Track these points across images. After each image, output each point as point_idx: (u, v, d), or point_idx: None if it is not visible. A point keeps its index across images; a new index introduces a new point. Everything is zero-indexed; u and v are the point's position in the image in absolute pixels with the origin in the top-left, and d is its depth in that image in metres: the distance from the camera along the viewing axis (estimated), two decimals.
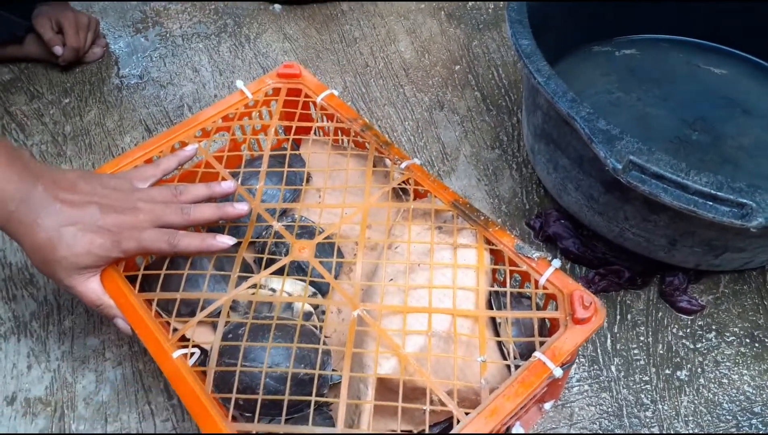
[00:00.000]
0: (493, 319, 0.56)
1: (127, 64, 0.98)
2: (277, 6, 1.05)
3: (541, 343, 0.50)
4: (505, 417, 0.46)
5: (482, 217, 0.58)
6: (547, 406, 0.60)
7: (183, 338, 0.52)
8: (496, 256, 0.58)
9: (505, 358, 0.53)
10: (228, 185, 0.59)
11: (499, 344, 0.54)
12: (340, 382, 0.49)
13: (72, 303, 0.70)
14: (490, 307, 0.56)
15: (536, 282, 0.54)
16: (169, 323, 0.53)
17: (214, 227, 0.61)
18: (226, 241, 0.55)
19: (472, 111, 0.88)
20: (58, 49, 0.93)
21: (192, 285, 0.55)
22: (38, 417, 0.62)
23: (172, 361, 0.49)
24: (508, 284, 0.54)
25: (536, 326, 0.51)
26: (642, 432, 0.61)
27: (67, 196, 0.52)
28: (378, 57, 0.96)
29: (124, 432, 0.61)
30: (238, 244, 0.57)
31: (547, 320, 0.57)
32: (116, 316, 0.55)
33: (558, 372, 0.48)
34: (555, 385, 0.57)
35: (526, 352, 0.53)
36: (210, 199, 0.59)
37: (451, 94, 0.90)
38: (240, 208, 0.57)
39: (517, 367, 0.49)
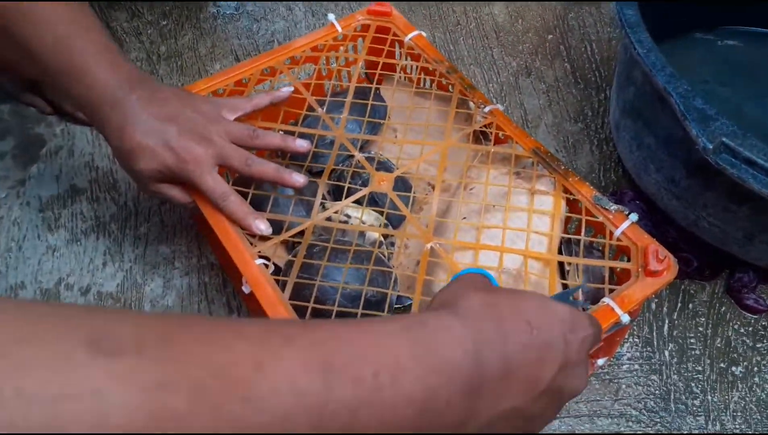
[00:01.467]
0: (562, 268, 0.57)
1: None
2: None
3: (611, 292, 0.50)
4: None
5: (563, 167, 0.58)
6: (600, 362, 0.61)
7: (261, 255, 0.54)
8: (572, 207, 0.58)
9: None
10: (302, 144, 0.59)
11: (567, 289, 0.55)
12: (409, 305, 0.50)
13: (149, 211, 0.74)
14: (562, 254, 0.56)
15: (611, 234, 0.54)
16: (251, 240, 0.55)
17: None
18: (298, 179, 0.56)
19: (560, 81, 0.87)
20: None
21: (274, 205, 0.58)
22: None
23: (254, 266, 0.51)
24: (582, 233, 0.55)
25: (606, 275, 0.52)
26: (663, 433, 0.60)
27: (155, 109, 0.55)
28: (470, 16, 0.95)
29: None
30: (310, 183, 0.58)
31: (615, 276, 0.57)
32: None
33: (625, 318, 0.49)
34: (612, 340, 0.58)
35: (593, 302, 0.53)
36: (282, 150, 0.60)
37: (540, 62, 0.89)
38: (295, 178, 0.56)
39: (584, 311, 0.50)
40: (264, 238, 0.55)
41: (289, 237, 0.55)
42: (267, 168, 0.56)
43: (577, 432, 0.60)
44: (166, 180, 0.56)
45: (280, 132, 0.62)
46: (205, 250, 0.70)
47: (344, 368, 0.28)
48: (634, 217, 0.54)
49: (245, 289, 0.50)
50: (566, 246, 0.57)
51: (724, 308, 0.67)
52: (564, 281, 0.54)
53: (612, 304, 0.49)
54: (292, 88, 0.64)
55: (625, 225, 0.54)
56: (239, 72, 0.66)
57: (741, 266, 0.68)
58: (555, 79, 0.87)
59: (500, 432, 0.35)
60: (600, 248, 0.56)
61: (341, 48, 0.70)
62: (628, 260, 0.53)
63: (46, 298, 0.67)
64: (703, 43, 0.88)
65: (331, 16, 0.69)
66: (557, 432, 0.59)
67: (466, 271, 0.45)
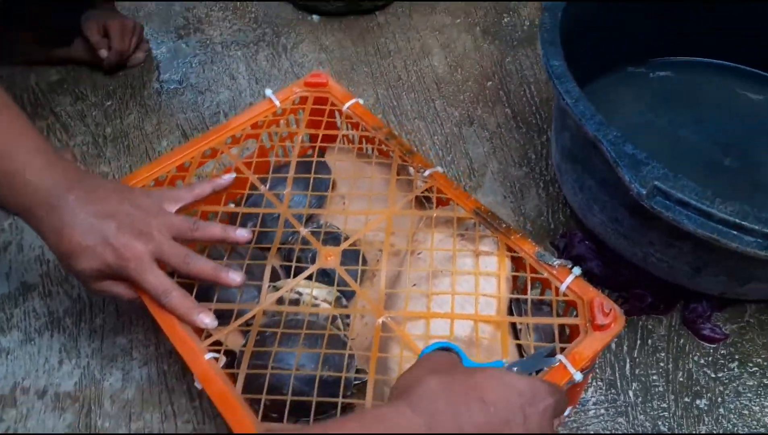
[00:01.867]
0: (514, 327, 0.57)
1: (167, 69, 1.01)
2: (316, 17, 1.07)
3: (562, 350, 0.51)
4: None
5: (504, 225, 0.59)
6: (565, 412, 0.61)
7: (214, 343, 0.54)
8: (517, 263, 0.59)
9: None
10: (242, 235, 0.58)
11: (520, 350, 0.55)
12: (363, 383, 0.50)
13: (103, 302, 0.73)
14: (512, 314, 0.56)
15: (557, 289, 0.55)
16: (200, 329, 0.55)
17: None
18: (235, 278, 0.55)
19: (502, 127, 0.88)
20: (103, 53, 0.97)
21: (222, 289, 0.57)
22: (66, 412, 0.65)
23: (204, 362, 0.51)
24: (528, 291, 0.55)
25: (557, 332, 0.52)
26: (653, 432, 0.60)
27: (93, 207, 0.54)
28: (411, 70, 0.97)
29: (146, 432, 0.63)
30: (258, 265, 0.58)
31: (566, 328, 0.57)
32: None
33: (578, 376, 0.49)
34: (574, 390, 0.58)
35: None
36: (223, 242, 0.59)
37: (481, 109, 0.91)
38: (232, 277, 0.55)
39: (537, 372, 0.50)
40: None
41: (240, 325, 0.55)
42: (205, 267, 0.55)
43: (580, 432, 0.60)
44: (110, 277, 0.55)
45: (219, 223, 0.61)
46: (162, 338, 0.69)
47: None
48: (577, 270, 0.55)
49: (197, 386, 0.50)
50: (516, 305, 0.57)
51: (682, 340, 0.68)
52: (517, 342, 0.54)
53: (564, 361, 0.49)
54: (234, 175, 0.64)
55: (569, 279, 0.54)
56: (180, 156, 0.66)
57: (694, 297, 0.70)
58: (497, 126, 0.89)
59: None
60: (549, 304, 0.57)
61: (281, 121, 0.71)
62: (576, 315, 0.53)
63: (2, 404, 0.65)
64: (636, 76, 0.90)
65: (269, 92, 0.70)
66: None
67: (432, 347, 0.45)
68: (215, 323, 0.54)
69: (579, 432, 0.62)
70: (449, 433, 0.35)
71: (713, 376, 0.65)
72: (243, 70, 1.00)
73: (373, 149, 0.69)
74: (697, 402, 0.64)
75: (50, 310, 0.72)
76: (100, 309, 0.72)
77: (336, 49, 1.02)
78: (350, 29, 1.05)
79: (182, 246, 0.56)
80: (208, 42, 1.05)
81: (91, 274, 0.54)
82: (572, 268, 0.55)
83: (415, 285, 0.58)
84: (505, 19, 1.04)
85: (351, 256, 0.62)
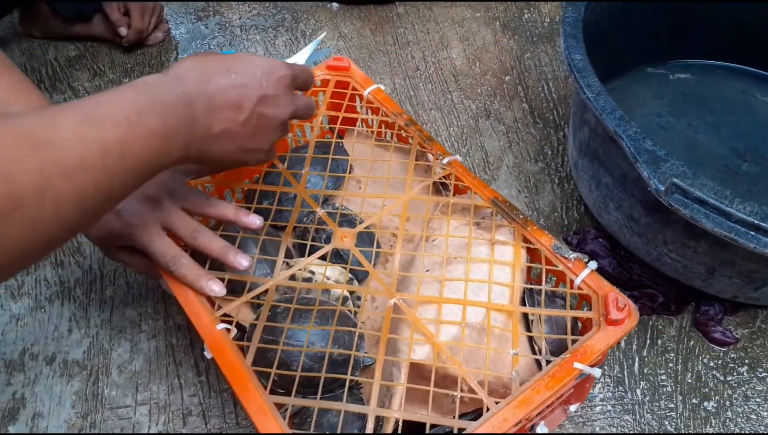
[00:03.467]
0: (526, 319, 0.57)
1: (186, 50, 1.01)
2: (335, 4, 1.07)
3: (573, 342, 0.50)
4: (534, 408, 0.47)
5: (521, 216, 0.58)
6: (572, 408, 0.61)
7: (225, 316, 0.54)
8: (533, 255, 0.59)
9: (537, 358, 0.54)
10: (254, 221, 0.57)
11: (530, 342, 0.55)
12: (372, 365, 0.50)
13: (114, 274, 0.73)
14: (524, 305, 0.56)
15: (571, 282, 0.55)
16: (213, 301, 0.55)
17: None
18: (242, 261, 0.55)
19: (519, 122, 0.88)
20: (123, 30, 0.97)
21: None
22: (74, 379, 0.65)
23: (215, 332, 0.51)
24: (543, 282, 0.55)
25: (569, 325, 0.52)
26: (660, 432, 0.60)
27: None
28: (429, 62, 0.97)
29: (152, 402, 0.63)
30: (273, 241, 0.58)
31: (579, 323, 0.57)
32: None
33: (589, 370, 0.49)
34: (582, 386, 0.58)
35: (557, 351, 0.53)
36: (233, 224, 0.58)
37: (498, 103, 0.91)
38: (239, 260, 0.55)
39: (548, 363, 0.50)
40: (227, 300, 0.54)
41: (252, 297, 0.55)
42: (213, 244, 0.55)
43: (583, 432, 0.60)
44: (122, 246, 0.55)
45: (234, 203, 0.61)
46: (171, 312, 0.69)
47: (105, 118, 0.38)
48: (593, 265, 0.55)
49: (207, 355, 0.50)
50: (529, 296, 0.57)
51: (692, 342, 0.68)
52: (530, 334, 0.54)
53: (575, 359, 0.49)
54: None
55: (584, 273, 0.54)
56: None
57: (706, 299, 0.69)
58: (514, 120, 0.88)
59: (218, 151, 0.48)
60: (563, 296, 0.56)
61: None
62: (590, 309, 0.53)
63: (10, 369, 0.66)
64: (655, 77, 0.90)
65: None
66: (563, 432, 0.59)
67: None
68: (224, 291, 0.54)
69: (584, 432, 0.62)
70: (200, 90, 0.45)
71: (722, 379, 0.65)
72: (261, 53, 1.00)
73: (392, 134, 0.69)
74: (705, 404, 0.64)
75: (61, 280, 0.73)
76: (110, 281, 0.72)
77: (354, 37, 1.02)
78: (369, 18, 1.05)
79: (192, 219, 0.55)
80: (227, 24, 1.05)
81: (101, 241, 0.55)
82: (588, 262, 0.55)
83: (428, 271, 0.58)
84: (526, 15, 1.04)
85: (365, 240, 0.62)
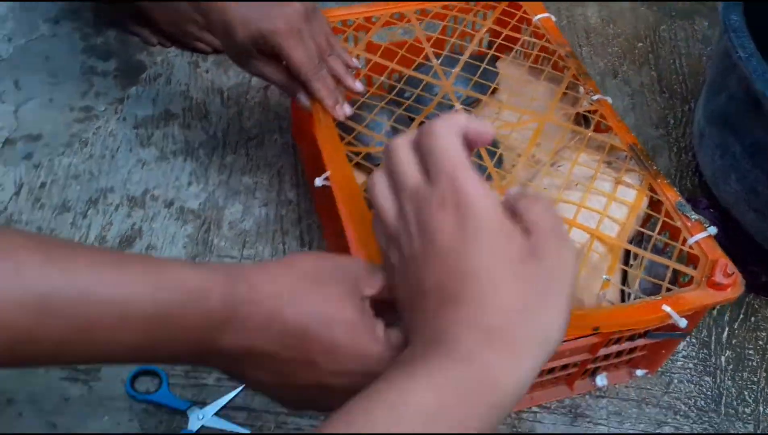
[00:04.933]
0: (626, 262, 0.57)
1: None
2: None
3: (668, 290, 0.51)
4: (610, 331, 0.48)
5: (654, 168, 0.59)
6: (639, 373, 0.61)
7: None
8: (653, 207, 0.59)
9: (624, 301, 0.54)
10: (358, 85, 0.61)
11: (624, 278, 0.55)
12: None
13: (236, 144, 0.77)
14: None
15: (684, 240, 0.54)
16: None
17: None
18: (359, 85, 0.61)
19: (645, 88, 0.87)
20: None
21: (359, 133, 0.61)
22: (188, 224, 0.69)
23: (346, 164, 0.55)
24: (656, 232, 0.55)
25: (668, 275, 0.52)
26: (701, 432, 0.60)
27: None
28: (563, 15, 0.97)
29: (257, 258, 0.67)
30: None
31: (678, 281, 0.57)
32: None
33: (676, 317, 0.48)
34: (657, 351, 0.58)
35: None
36: (339, 81, 0.61)
37: (627, 66, 0.90)
38: (358, 85, 0.62)
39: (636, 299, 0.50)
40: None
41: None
42: (340, 68, 0.60)
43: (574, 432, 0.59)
44: (261, 51, 0.57)
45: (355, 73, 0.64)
46: (284, 187, 0.73)
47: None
48: (712, 229, 0.54)
49: (318, 182, 0.55)
50: (637, 239, 0.57)
51: None
52: (625, 267, 0.54)
53: (668, 309, 0.49)
54: (362, 87, 0.63)
55: (701, 235, 0.53)
56: (371, 9, 0.70)
57: None
58: (641, 85, 0.88)
59: None
60: (670, 252, 0.56)
61: (470, 13, 0.73)
62: (695, 268, 0.53)
63: (132, 204, 0.70)
64: None
65: None
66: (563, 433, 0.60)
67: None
68: (351, 113, 0.59)
69: (591, 432, 0.61)
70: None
71: None
72: None
73: (548, 62, 0.70)
74: None
75: (187, 139, 0.77)
76: (232, 150, 0.76)
77: None
78: None
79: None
80: None
81: (248, 41, 0.55)
82: (708, 226, 0.55)
83: (545, 189, 0.59)
84: None
85: (489, 152, 0.63)
